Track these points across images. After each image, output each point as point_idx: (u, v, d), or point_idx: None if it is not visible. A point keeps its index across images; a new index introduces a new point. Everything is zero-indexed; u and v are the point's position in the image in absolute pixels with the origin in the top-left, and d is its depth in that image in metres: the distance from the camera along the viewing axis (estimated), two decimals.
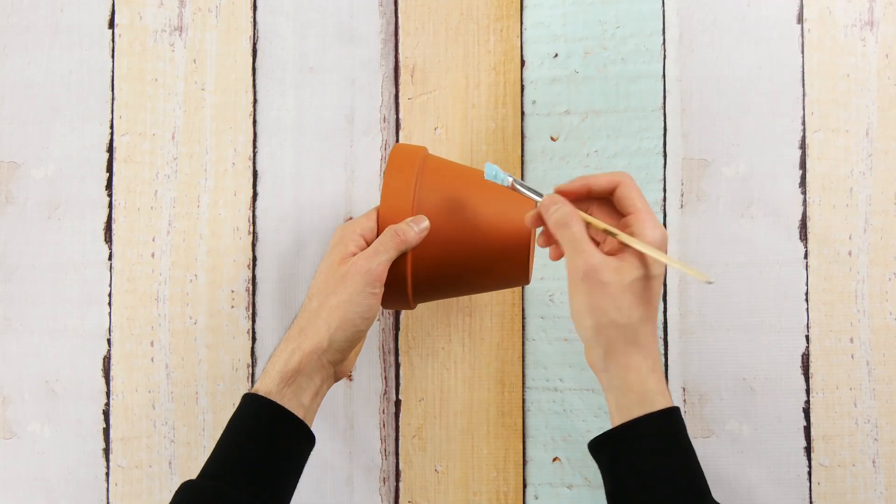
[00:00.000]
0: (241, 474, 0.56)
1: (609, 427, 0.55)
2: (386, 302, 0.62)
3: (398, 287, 0.61)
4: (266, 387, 0.58)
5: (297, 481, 0.59)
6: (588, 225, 0.55)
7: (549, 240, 0.58)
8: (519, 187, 0.58)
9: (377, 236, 0.60)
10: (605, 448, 0.55)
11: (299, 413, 0.58)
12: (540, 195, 0.57)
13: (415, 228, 0.59)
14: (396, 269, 0.60)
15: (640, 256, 0.53)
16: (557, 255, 0.59)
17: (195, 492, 0.56)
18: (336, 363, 0.60)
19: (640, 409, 0.53)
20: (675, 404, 0.55)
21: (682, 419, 0.55)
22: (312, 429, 0.60)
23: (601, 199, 0.57)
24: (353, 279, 0.58)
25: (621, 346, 0.53)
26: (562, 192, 0.56)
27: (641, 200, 0.55)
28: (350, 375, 0.73)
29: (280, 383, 0.58)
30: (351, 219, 0.74)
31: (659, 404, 0.53)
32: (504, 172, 0.59)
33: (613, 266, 0.53)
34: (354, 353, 0.66)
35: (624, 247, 0.54)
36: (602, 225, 0.55)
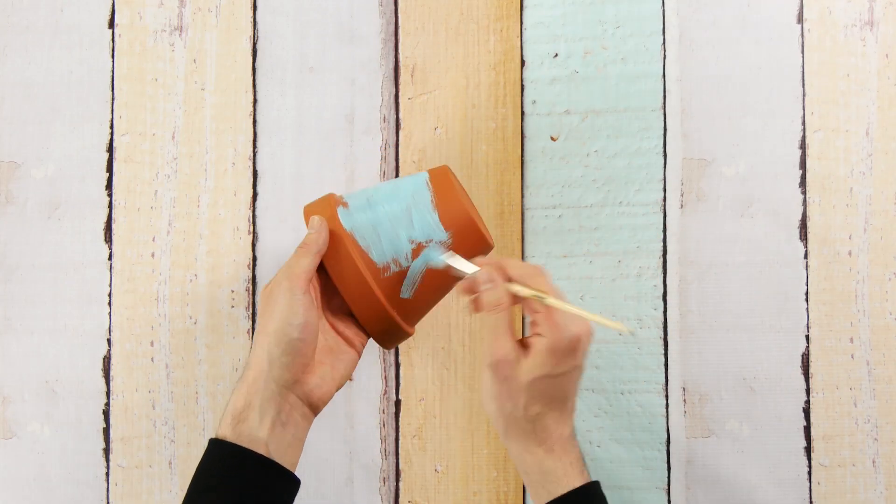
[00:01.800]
0: None
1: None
2: (387, 342, 0.62)
3: (388, 322, 0.60)
4: (223, 431, 0.56)
5: None
6: (517, 297, 0.55)
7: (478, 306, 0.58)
8: (454, 264, 0.58)
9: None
10: None
11: (260, 449, 0.55)
12: (475, 268, 0.57)
13: (314, 229, 0.59)
14: (371, 309, 0.59)
15: (550, 354, 0.53)
16: (477, 311, 0.58)
17: None
18: (288, 385, 0.57)
19: (545, 490, 0.55)
20: (590, 478, 0.56)
21: (596, 495, 0.56)
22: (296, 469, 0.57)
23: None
24: (276, 292, 0.57)
25: (516, 433, 0.55)
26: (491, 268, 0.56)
27: (552, 289, 0.56)
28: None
29: (233, 425, 0.55)
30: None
31: (562, 486, 0.54)
32: (443, 256, 0.59)
33: (517, 363, 0.54)
34: (330, 381, 0.60)
35: (534, 342, 0.54)
36: (529, 292, 0.55)
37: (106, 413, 0.75)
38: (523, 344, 0.55)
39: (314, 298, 0.59)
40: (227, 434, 0.55)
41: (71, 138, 0.76)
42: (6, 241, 0.76)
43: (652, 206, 0.72)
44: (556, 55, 0.74)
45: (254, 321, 0.75)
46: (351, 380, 0.74)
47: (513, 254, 0.73)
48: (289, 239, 0.75)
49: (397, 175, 0.75)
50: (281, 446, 0.56)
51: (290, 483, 0.57)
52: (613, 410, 0.72)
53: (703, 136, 0.72)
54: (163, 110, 0.76)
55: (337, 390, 0.60)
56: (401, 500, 0.74)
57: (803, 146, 0.72)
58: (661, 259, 0.72)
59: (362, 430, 0.74)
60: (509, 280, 0.56)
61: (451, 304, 0.74)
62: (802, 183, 0.72)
